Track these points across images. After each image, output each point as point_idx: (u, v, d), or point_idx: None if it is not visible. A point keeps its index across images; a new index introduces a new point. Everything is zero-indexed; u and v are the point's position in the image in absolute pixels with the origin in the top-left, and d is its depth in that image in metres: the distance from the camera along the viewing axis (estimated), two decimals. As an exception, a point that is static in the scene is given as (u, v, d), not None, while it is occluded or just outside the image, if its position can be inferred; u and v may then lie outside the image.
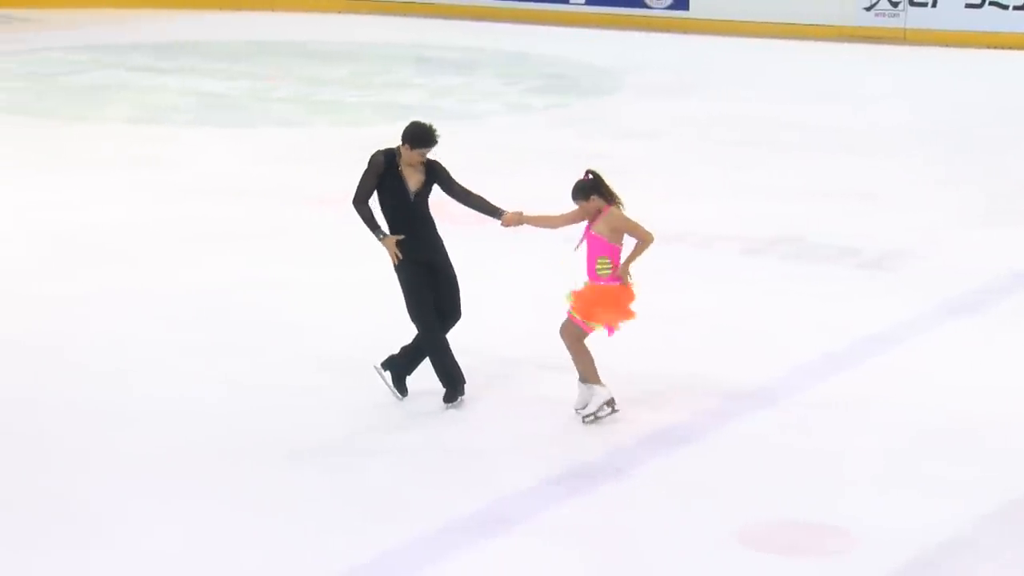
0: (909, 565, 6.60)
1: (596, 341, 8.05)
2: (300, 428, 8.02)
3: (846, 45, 21.38)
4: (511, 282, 10.44)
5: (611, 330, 8.01)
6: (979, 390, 8.58)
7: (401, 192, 8.19)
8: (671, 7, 23.29)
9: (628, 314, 7.96)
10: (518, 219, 8.15)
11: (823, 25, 21.99)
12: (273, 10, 25.31)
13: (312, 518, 6.98)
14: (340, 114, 17.30)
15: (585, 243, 7.95)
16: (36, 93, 18.76)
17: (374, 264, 10.93)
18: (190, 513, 7.05)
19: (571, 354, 7.99)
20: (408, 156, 8.23)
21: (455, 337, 8.31)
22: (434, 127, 8.20)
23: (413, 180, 8.25)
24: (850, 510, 7.12)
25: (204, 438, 7.88)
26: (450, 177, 8.33)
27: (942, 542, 6.79)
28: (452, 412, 8.20)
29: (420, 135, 8.16)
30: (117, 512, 7.05)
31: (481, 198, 8.27)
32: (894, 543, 6.78)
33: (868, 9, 21.91)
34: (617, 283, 7.90)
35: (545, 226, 8.21)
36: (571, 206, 8.03)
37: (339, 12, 24.99)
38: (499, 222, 8.21)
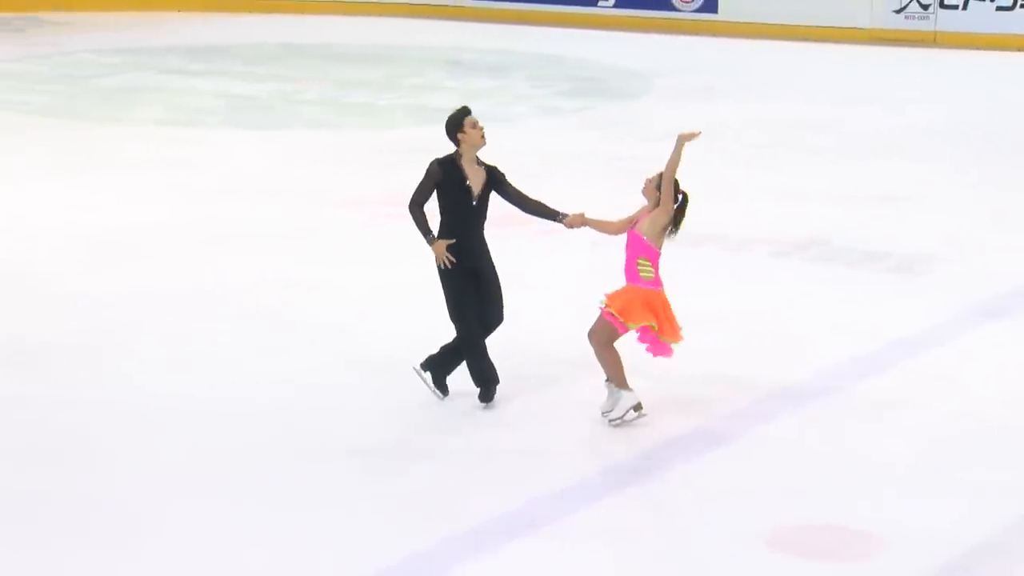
0: (940, 569, 6.59)
1: (623, 341, 8.06)
2: (336, 429, 8.06)
3: (875, 48, 21.33)
4: (547, 284, 10.47)
5: (661, 349, 7.95)
6: (1009, 394, 8.57)
7: (464, 196, 8.18)
8: (699, 10, 23.29)
9: (672, 329, 7.90)
10: (581, 221, 8.14)
11: (852, 28, 21.95)
12: (304, 13, 25.42)
13: (345, 518, 7.03)
14: (371, 117, 17.37)
15: (626, 243, 7.95)
16: (69, 96, 18.90)
17: (411, 265, 11.01)
18: (225, 513, 7.10)
19: (599, 357, 7.96)
20: (471, 137, 8.22)
21: (493, 338, 8.34)
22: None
23: (476, 184, 8.23)
24: (879, 513, 7.12)
25: (243, 438, 7.94)
26: (507, 181, 8.32)
27: (973, 546, 6.78)
28: (486, 413, 8.24)
29: (461, 111, 8.31)
30: (155, 513, 7.11)
31: (539, 202, 8.26)
32: (924, 547, 6.77)
33: (898, 12, 21.86)
34: (659, 288, 7.89)
35: (605, 230, 8.18)
36: (626, 211, 8.02)
37: (370, 15, 25.07)
38: (562, 224, 8.19)
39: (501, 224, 8.88)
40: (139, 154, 15.06)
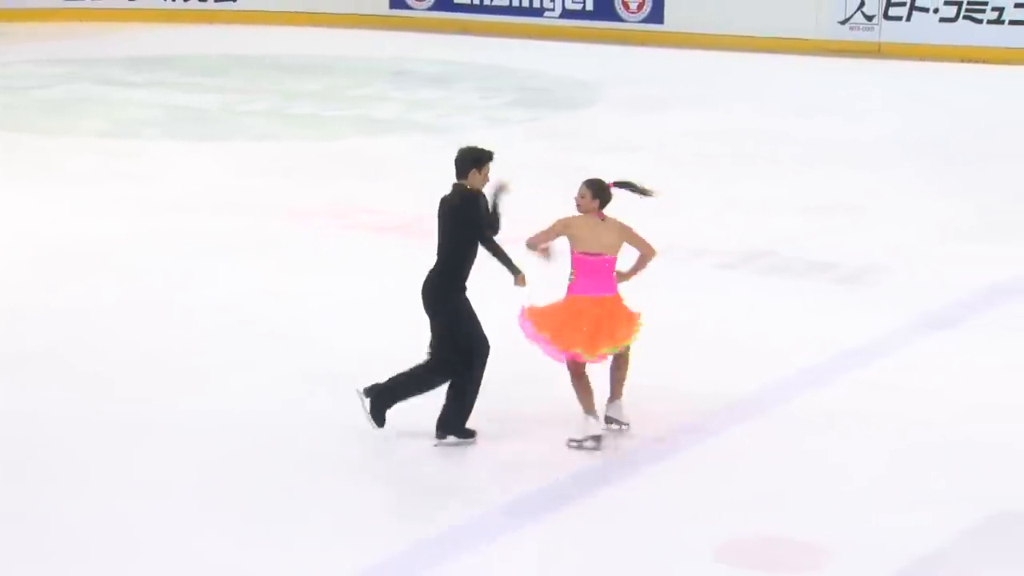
0: (887, 581, 6.60)
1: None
2: (309, 441, 8.05)
3: (821, 58, 21.42)
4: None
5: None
6: (958, 404, 8.58)
7: (480, 231, 8.03)
8: (646, 20, 23.30)
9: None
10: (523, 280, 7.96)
11: (798, 39, 22.02)
12: (245, 23, 25.21)
13: (317, 528, 7.02)
14: (317, 128, 17.22)
15: (605, 263, 7.89)
16: (8, 107, 18.65)
17: (368, 276, 10.99)
18: (196, 525, 7.07)
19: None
20: (479, 180, 8.07)
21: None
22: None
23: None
24: (828, 525, 7.11)
25: (216, 451, 7.90)
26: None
27: (920, 557, 6.79)
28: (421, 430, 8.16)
29: (488, 153, 8.12)
30: (120, 526, 7.06)
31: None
32: (872, 558, 6.78)
33: (843, 23, 21.96)
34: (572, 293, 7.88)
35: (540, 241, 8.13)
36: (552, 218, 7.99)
37: (312, 25, 24.90)
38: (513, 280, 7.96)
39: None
40: (85, 166, 14.91)
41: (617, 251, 7.94)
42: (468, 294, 8.01)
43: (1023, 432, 8.21)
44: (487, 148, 8.08)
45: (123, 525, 7.11)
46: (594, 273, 7.85)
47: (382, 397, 8.06)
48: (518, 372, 8.53)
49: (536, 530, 7.10)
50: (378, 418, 8.03)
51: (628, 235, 7.99)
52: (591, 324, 7.78)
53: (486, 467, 7.77)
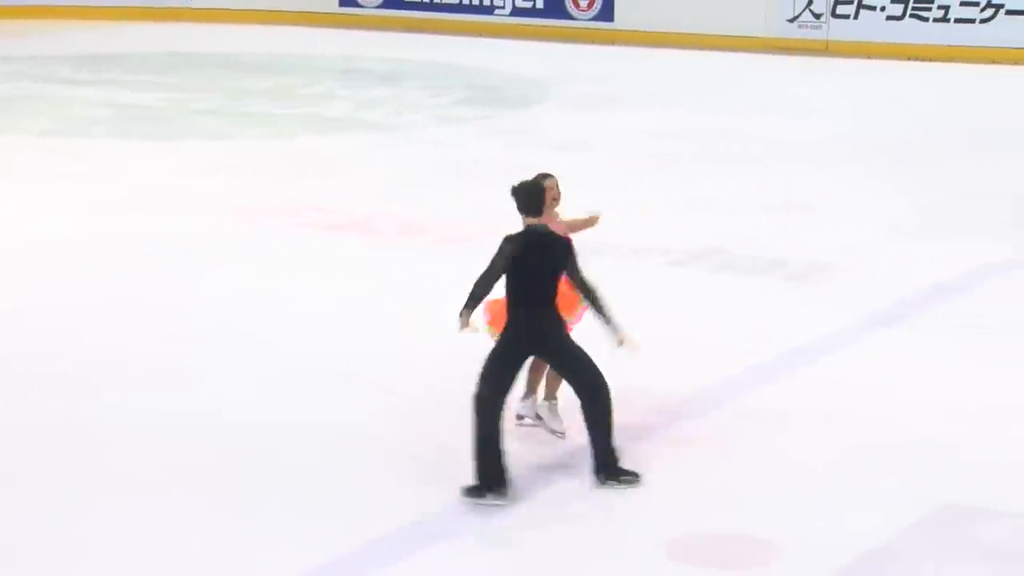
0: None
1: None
2: (271, 442, 7.99)
3: (770, 56, 21.54)
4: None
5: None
6: (903, 401, 8.65)
7: None
8: (596, 18, 23.35)
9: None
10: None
11: (747, 36, 22.14)
12: (192, 21, 25.06)
13: (290, 527, 6.98)
14: (267, 126, 17.15)
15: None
16: (-48, 106, 18.46)
17: (328, 277, 10.98)
18: (168, 527, 7.03)
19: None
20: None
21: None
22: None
23: None
24: (776, 521, 7.14)
25: (183, 455, 7.85)
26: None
27: (866, 552, 6.84)
28: (370, 431, 8.14)
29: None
30: (94, 529, 7.01)
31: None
32: (819, 554, 6.82)
33: (791, 21, 22.10)
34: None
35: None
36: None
37: (261, 23, 24.79)
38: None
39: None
40: (29, 165, 14.77)
41: None
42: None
43: (969, 429, 8.28)
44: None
45: (97, 528, 7.05)
46: None
47: (606, 460, 7.49)
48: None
49: (487, 528, 7.10)
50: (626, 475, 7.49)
51: (570, 226, 7.96)
52: None
53: (441, 466, 7.75)
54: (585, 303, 7.65)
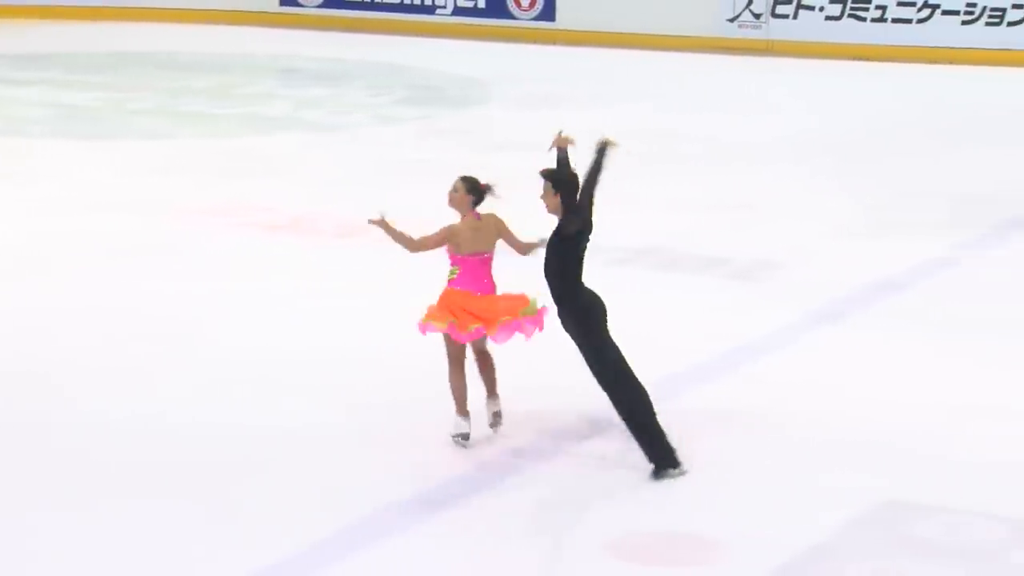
0: (773, 572, 6.68)
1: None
2: (214, 442, 7.96)
3: (711, 56, 21.62)
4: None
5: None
6: (841, 400, 8.70)
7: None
8: (537, 17, 23.34)
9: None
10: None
11: (689, 36, 22.20)
12: (131, 20, 24.79)
13: (241, 522, 6.88)
14: (206, 126, 17.01)
15: (486, 260, 7.87)
16: None
17: (270, 276, 10.88)
18: (107, 530, 6.95)
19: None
20: None
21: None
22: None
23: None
24: (717, 518, 7.17)
25: (133, 456, 7.80)
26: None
27: (803, 551, 6.87)
28: (315, 433, 8.08)
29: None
30: (35, 535, 6.96)
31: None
32: (759, 551, 6.85)
33: (731, 20, 22.19)
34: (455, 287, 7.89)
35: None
36: (438, 222, 7.94)
37: (199, 22, 24.58)
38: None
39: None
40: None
41: (494, 247, 7.93)
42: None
43: (910, 425, 8.34)
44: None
45: (47, 532, 7.00)
46: (476, 269, 7.87)
47: (656, 447, 7.65)
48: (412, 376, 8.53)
49: (422, 530, 7.07)
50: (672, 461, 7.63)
51: (504, 233, 7.96)
52: (480, 307, 7.79)
53: (382, 465, 7.72)
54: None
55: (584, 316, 7.63)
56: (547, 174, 7.87)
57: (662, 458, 7.55)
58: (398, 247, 7.93)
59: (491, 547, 6.94)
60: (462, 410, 7.88)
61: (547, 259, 7.78)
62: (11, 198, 13.31)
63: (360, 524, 7.08)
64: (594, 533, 6.99)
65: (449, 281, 7.90)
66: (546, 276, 7.74)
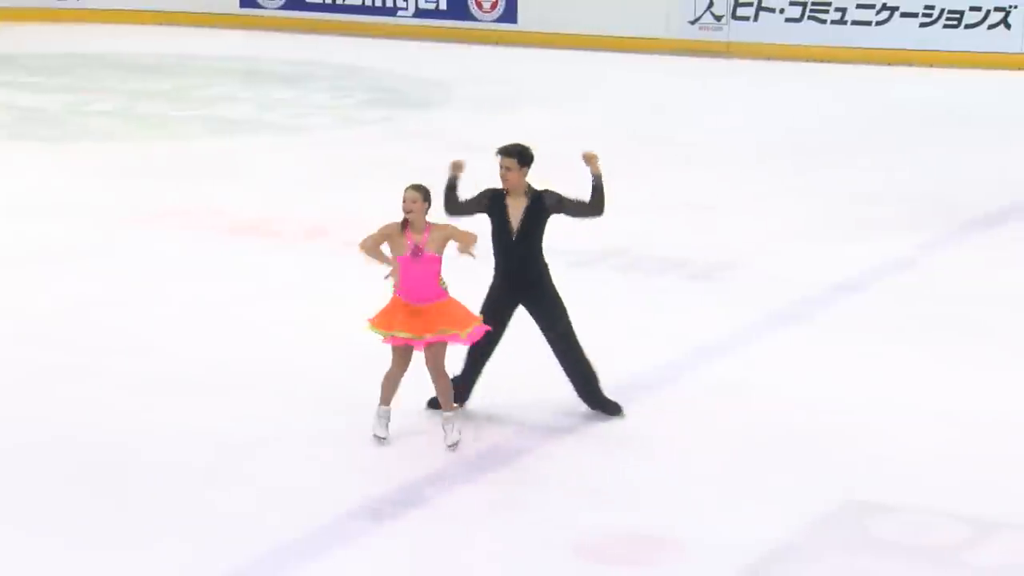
0: (734, 573, 6.70)
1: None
2: (151, 449, 7.89)
3: (672, 58, 21.68)
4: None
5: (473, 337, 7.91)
6: (807, 398, 8.74)
7: (505, 231, 7.89)
8: (499, 19, 23.35)
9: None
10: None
11: (650, 38, 22.26)
12: (87, 22, 24.65)
13: (187, 532, 6.77)
14: (165, 128, 16.92)
15: (417, 265, 7.80)
16: None
17: (220, 281, 10.81)
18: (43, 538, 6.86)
19: (441, 378, 7.84)
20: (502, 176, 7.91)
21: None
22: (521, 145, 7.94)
23: (515, 216, 7.93)
24: (677, 520, 7.19)
25: (49, 468, 7.70)
26: (563, 199, 8.04)
27: (767, 551, 6.90)
28: (311, 427, 8.06)
29: (500, 146, 7.91)
30: None
31: (588, 200, 8.26)
32: (722, 552, 6.88)
33: (693, 23, 22.27)
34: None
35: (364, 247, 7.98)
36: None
37: (156, 24, 24.46)
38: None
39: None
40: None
41: (442, 251, 7.84)
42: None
43: (868, 425, 8.39)
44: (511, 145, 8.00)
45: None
46: (415, 276, 7.80)
47: (593, 394, 8.16)
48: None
49: (389, 529, 7.07)
50: (610, 406, 8.22)
51: (451, 231, 7.87)
52: (415, 314, 7.77)
53: (343, 468, 7.71)
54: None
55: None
56: (511, 150, 7.81)
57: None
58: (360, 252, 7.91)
59: (457, 547, 6.94)
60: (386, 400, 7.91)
61: (530, 235, 7.76)
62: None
63: (325, 527, 7.05)
64: (554, 533, 6.99)
65: (446, 291, 7.85)
66: (528, 254, 7.81)
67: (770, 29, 21.83)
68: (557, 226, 12.50)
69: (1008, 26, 20.77)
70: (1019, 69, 20.40)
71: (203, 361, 9.18)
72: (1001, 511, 7.31)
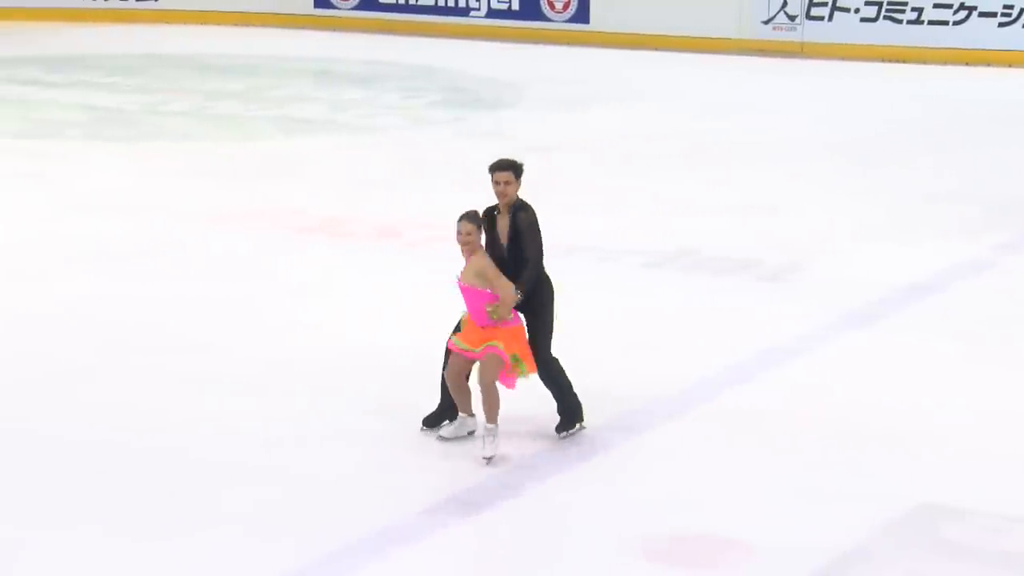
0: (807, 576, 6.64)
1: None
2: (197, 449, 7.91)
3: (744, 58, 21.56)
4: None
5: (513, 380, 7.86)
6: (876, 401, 8.65)
7: (497, 248, 7.79)
8: (571, 20, 23.33)
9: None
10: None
11: (722, 38, 22.15)
12: (165, 23, 24.93)
13: (204, 541, 6.86)
14: (238, 128, 17.07)
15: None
16: (-78, 108, 18.32)
17: (284, 280, 10.87)
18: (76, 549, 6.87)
19: (491, 393, 7.75)
20: (501, 192, 7.80)
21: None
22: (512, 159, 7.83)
23: (503, 234, 7.81)
24: (748, 523, 7.14)
25: (111, 462, 7.75)
26: (525, 231, 7.73)
27: (838, 554, 6.83)
28: (353, 431, 8.11)
29: (491, 164, 7.81)
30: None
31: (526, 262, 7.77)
32: (792, 555, 6.82)
33: (766, 23, 22.12)
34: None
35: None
36: None
37: (233, 25, 24.69)
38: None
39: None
40: (1, 169, 14.61)
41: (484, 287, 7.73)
42: None
43: (942, 429, 8.28)
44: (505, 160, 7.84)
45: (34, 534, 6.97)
46: (470, 304, 7.79)
47: (568, 411, 8.00)
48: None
49: (460, 531, 7.07)
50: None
51: (483, 270, 7.73)
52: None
53: (401, 470, 7.72)
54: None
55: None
56: (508, 164, 7.75)
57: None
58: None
59: (525, 549, 6.93)
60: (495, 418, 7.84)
61: (518, 249, 7.70)
62: (44, 200, 13.38)
63: (369, 534, 7.04)
64: (625, 535, 6.96)
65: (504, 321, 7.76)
66: (517, 268, 7.73)
67: (845, 29, 21.63)
68: (630, 226, 12.57)
69: (1088, 25, 20.45)
70: (1099, 69, 20.08)
71: (262, 361, 9.19)
72: (1076, 517, 7.20)
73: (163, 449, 7.92)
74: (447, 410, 8.02)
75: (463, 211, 7.83)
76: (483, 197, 7.93)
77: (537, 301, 7.85)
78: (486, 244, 7.83)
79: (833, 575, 6.68)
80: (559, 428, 8.01)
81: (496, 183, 7.78)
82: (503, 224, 7.82)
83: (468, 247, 7.75)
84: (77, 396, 8.67)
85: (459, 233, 7.75)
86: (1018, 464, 7.83)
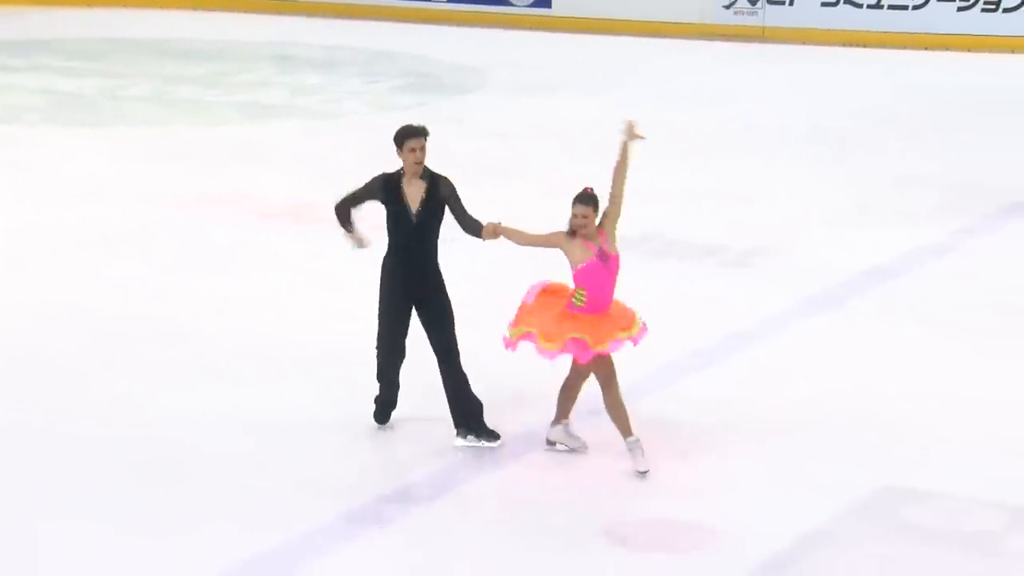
0: (769, 559, 6.70)
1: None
2: (188, 439, 7.92)
3: (706, 43, 21.59)
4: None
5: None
6: (840, 386, 8.71)
7: (403, 216, 7.72)
8: (533, 4, 23.31)
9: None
10: (495, 232, 7.70)
11: (684, 23, 22.18)
12: (124, 6, 24.73)
13: (196, 533, 6.82)
14: (199, 113, 16.97)
15: (607, 269, 7.64)
16: None
17: (259, 269, 10.85)
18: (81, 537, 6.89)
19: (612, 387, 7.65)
20: (404, 160, 7.74)
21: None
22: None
23: (414, 200, 7.72)
24: (712, 507, 7.18)
25: (102, 451, 7.76)
26: (454, 195, 7.71)
27: (802, 537, 6.89)
28: (341, 425, 8.13)
29: (402, 131, 7.73)
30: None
31: (472, 220, 7.73)
32: (754, 539, 6.87)
33: (727, 7, 22.16)
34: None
35: (519, 241, 7.81)
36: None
37: (193, 8, 24.52)
38: (480, 238, 7.70)
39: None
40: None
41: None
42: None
43: (905, 412, 8.35)
44: (414, 125, 7.78)
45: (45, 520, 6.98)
46: (605, 282, 7.77)
47: (466, 416, 7.83)
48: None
49: (423, 518, 7.08)
50: (489, 435, 7.85)
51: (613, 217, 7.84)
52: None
53: (369, 460, 7.71)
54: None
55: None
56: (421, 130, 7.71)
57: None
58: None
59: (491, 537, 6.94)
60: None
61: (429, 221, 7.66)
62: (4, 186, 13.26)
63: (336, 520, 7.06)
64: (591, 522, 6.99)
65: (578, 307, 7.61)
66: (431, 264, 7.69)
67: (806, 13, 21.70)
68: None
69: (1046, 10, 20.60)
70: (1058, 54, 20.24)
71: (237, 348, 9.20)
72: (1039, 499, 7.27)
73: (150, 439, 7.92)
74: (391, 404, 7.99)
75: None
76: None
77: (438, 288, 7.75)
78: (388, 214, 7.71)
79: (797, 558, 6.74)
80: (465, 434, 7.83)
81: (412, 150, 7.69)
82: (414, 191, 7.68)
83: (585, 231, 7.58)
84: (63, 386, 8.64)
85: (575, 216, 7.58)
86: (981, 448, 7.90)
